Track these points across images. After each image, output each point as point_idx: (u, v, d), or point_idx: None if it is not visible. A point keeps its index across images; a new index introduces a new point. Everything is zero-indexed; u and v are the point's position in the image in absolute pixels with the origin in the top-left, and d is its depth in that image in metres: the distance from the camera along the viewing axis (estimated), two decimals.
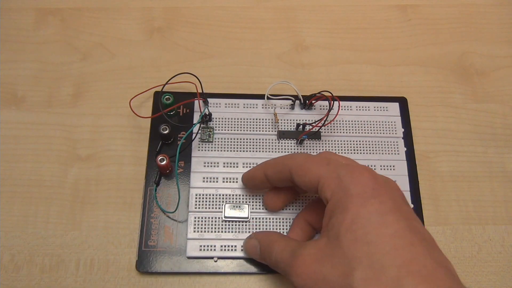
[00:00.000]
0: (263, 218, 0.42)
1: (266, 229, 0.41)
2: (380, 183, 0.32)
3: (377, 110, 0.47)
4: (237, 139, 0.45)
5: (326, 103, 0.46)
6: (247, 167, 0.44)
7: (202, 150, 0.44)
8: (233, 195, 0.43)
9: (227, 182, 0.43)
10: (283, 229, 0.42)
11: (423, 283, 0.27)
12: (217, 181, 0.43)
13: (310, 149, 0.45)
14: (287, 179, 0.37)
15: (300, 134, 0.44)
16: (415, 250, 0.29)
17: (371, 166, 0.44)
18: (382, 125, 0.46)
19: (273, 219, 0.42)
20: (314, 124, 0.44)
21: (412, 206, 0.43)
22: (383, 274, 0.28)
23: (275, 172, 0.38)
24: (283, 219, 0.42)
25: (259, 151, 0.44)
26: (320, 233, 0.35)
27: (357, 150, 0.45)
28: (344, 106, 0.47)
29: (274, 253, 0.36)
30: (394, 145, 0.45)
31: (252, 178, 0.41)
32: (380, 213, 0.30)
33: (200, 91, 0.44)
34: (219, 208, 0.42)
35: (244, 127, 0.45)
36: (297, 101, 0.46)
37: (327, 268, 0.30)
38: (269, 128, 0.45)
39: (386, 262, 0.28)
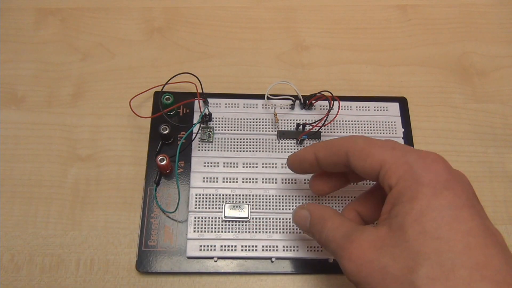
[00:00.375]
0: (263, 218, 0.42)
1: (267, 228, 0.41)
2: (454, 175, 0.30)
3: (377, 110, 0.47)
4: (237, 139, 0.45)
5: (326, 103, 0.46)
6: (247, 167, 0.44)
7: (202, 150, 0.44)
8: (233, 195, 0.43)
9: (227, 182, 0.43)
10: (284, 229, 0.42)
11: None
12: (217, 181, 0.43)
13: None
14: (342, 163, 0.34)
15: (300, 134, 0.44)
16: (489, 252, 0.26)
17: None
18: (382, 125, 0.46)
19: (273, 219, 0.42)
20: (314, 124, 0.44)
21: None
22: (452, 274, 0.26)
23: (328, 155, 0.35)
24: (283, 219, 0.42)
25: (259, 151, 0.44)
26: (377, 222, 0.32)
27: None
28: (344, 106, 0.47)
29: (326, 230, 0.33)
30: None
31: (300, 161, 0.37)
32: (454, 207, 0.28)
33: (200, 91, 0.44)
34: (219, 208, 0.42)
35: (244, 127, 0.45)
36: (297, 101, 0.46)
37: (387, 259, 0.28)
38: (269, 128, 0.45)
39: (458, 261, 0.26)
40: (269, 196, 0.43)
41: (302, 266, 0.41)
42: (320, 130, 0.45)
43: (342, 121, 0.46)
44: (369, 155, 0.32)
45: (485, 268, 0.26)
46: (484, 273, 0.25)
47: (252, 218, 0.42)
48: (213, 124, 0.45)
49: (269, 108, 0.46)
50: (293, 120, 0.46)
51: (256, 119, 0.46)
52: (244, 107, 0.46)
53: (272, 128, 0.45)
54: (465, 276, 0.25)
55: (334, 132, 0.45)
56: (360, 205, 0.36)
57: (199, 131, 0.44)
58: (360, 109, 0.47)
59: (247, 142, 0.45)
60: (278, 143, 0.45)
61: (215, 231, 0.41)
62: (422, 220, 0.27)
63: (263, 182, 0.43)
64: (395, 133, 0.46)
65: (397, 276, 0.27)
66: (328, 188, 0.38)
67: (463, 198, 0.28)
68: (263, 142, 0.45)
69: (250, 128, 0.45)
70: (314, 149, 0.36)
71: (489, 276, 0.25)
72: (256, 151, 0.44)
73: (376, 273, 0.28)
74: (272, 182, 0.43)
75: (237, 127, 0.45)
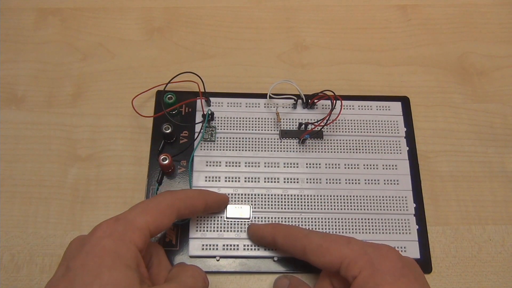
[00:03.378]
0: (264, 218, 0.42)
1: None
2: (405, 262, 0.33)
3: (379, 109, 0.47)
4: (239, 138, 0.45)
5: (328, 102, 0.46)
6: (249, 166, 0.44)
7: (204, 150, 0.44)
8: (235, 194, 0.43)
9: (229, 181, 0.43)
10: None
11: None
12: (219, 180, 0.43)
13: (312, 149, 0.45)
14: (300, 255, 0.37)
15: (302, 133, 0.44)
16: None
17: (374, 165, 0.44)
18: (384, 124, 0.46)
19: (274, 220, 0.42)
20: (316, 124, 0.44)
21: (414, 205, 0.43)
22: None
23: (287, 245, 0.38)
24: (285, 218, 0.42)
25: (261, 150, 0.44)
26: None
27: (359, 149, 0.45)
28: (346, 106, 0.47)
29: None
30: (396, 144, 0.45)
31: (259, 237, 0.40)
32: None
33: (202, 90, 0.44)
34: None
35: (246, 127, 0.45)
36: (299, 101, 0.46)
37: None
38: (271, 128, 0.45)
39: None
40: (271, 195, 0.43)
41: (304, 266, 0.41)
42: (322, 129, 0.45)
43: (345, 120, 0.46)
44: (327, 252, 0.35)
45: None
46: None
47: (254, 218, 0.42)
48: (215, 123, 0.45)
49: (271, 107, 0.46)
50: (295, 120, 0.46)
51: (258, 119, 0.46)
52: (246, 107, 0.46)
53: (274, 128, 0.45)
54: None
55: (336, 132, 0.46)
56: (333, 276, 0.37)
57: (202, 130, 0.44)
58: (362, 109, 0.47)
59: (249, 142, 0.45)
60: (280, 142, 0.45)
61: (217, 231, 0.41)
62: None
63: (265, 182, 0.43)
64: (397, 132, 0.46)
65: None
66: None
67: (416, 285, 0.32)
68: (265, 142, 0.45)
69: (252, 127, 0.45)
70: (274, 232, 0.39)
71: None
72: (258, 151, 0.44)
73: None
74: (274, 182, 0.43)
75: (239, 127, 0.45)
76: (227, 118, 0.45)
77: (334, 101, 0.43)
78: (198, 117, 0.45)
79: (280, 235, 0.38)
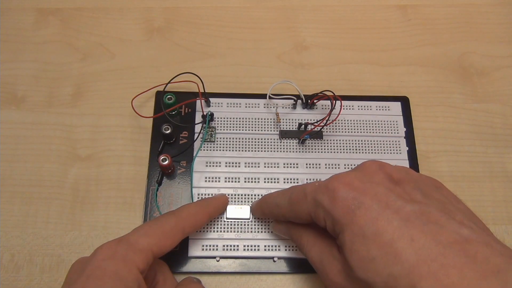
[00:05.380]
0: (264, 219, 0.42)
1: (269, 228, 0.41)
2: (357, 186, 0.30)
3: (379, 109, 0.47)
4: (239, 138, 0.45)
5: (328, 102, 0.46)
6: (249, 166, 0.44)
7: (204, 150, 0.44)
8: (235, 195, 0.43)
9: (229, 181, 0.43)
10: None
11: (437, 283, 0.25)
12: (219, 181, 0.43)
13: (312, 149, 0.45)
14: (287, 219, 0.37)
15: (302, 133, 0.44)
16: (417, 245, 0.27)
17: None
18: (384, 124, 0.46)
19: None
20: (316, 124, 0.44)
21: None
22: (397, 282, 0.26)
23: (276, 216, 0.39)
24: None
25: (261, 151, 0.44)
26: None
27: (359, 149, 0.45)
28: (346, 106, 0.47)
29: (305, 251, 0.35)
30: (396, 144, 0.45)
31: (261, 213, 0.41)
32: (370, 222, 0.28)
33: (202, 90, 0.44)
34: None
35: (246, 127, 0.45)
36: (299, 101, 0.46)
37: (351, 285, 0.30)
38: (271, 128, 0.45)
39: (396, 273, 0.26)
40: None
41: (304, 266, 0.41)
42: (322, 129, 0.45)
43: (344, 120, 0.46)
44: (298, 214, 0.34)
45: (419, 265, 0.26)
46: (421, 271, 0.26)
47: (254, 218, 0.42)
48: (215, 124, 0.45)
49: (271, 107, 0.46)
50: (295, 120, 0.46)
51: (258, 119, 0.46)
52: (246, 107, 0.46)
53: (274, 128, 0.45)
54: (407, 284, 0.26)
55: (336, 132, 0.46)
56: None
57: (201, 131, 0.44)
58: (362, 109, 0.47)
59: (249, 142, 0.45)
60: (280, 142, 0.45)
61: (217, 231, 0.41)
62: (355, 250, 0.29)
63: (265, 182, 0.43)
64: (397, 133, 0.46)
65: None
66: None
67: (375, 206, 0.29)
68: (265, 142, 0.45)
69: (252, 127, 0.45)
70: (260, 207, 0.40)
71: (425, 272, 0.26)
72: (258, 151, 0.44)
73: None
74: (274, 182, 0.43)
75: (239, 127, 0.45)
76: (227, 118, 0.45)
77: (334, 101, 0.43)
78: (198, 118, 0.45)
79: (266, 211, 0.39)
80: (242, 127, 0.45)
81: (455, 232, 0.27)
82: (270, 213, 0.39)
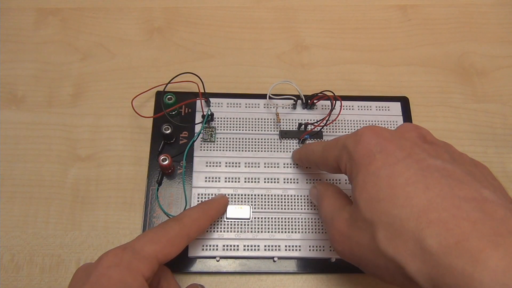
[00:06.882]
0: (264, 218, 0.42)
1: (269, 228, 0.41)
2: (385, 136, 0.30)
3: (379, 109, 0.47)
4: (239, 138, 0.45)
5: (328, 102, 0.46)
6: (249, 166, 0.44)
7: (204, 150, 0.44)
8: (235, 195, 0.42)
9: (229, 181, 0.43)
10: (286, 229, 0.41)
11: (445, 232, 0.24)
12: (219, 181, 0.43)
13: None
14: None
15: (302, 133, 0.44)
16: (431, 193, 0.26)
17: None
18: (384, 124, 0.46)
19: (274, 219, 0.42)
20: (316, 124, 0.44)
21: None
22: (403, 230, 0.26)
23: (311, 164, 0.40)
24: (285, 218, 0.42)
25: (261, 151, 0.44)
26: None
27: None
28: (346, 106, 0.47)
29: (321, 209, 0.36)
30: None
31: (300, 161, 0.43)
32: (388, 165, 0.28)
33: (202, 90, 0.44)
34: None
35: (246, 127, 0.45)
36: (299, 101, 0.46)
37: (357, 233, 0.29)
38: (271, 128, 0.45)
39: (403, 215, 0.26)
40: (271, 195, 0.43)
41: (304, 266, 0.41)
42: (322, 129, 0.45)
43: (344, 120, 0.46)
44: (327, 160, 0.35)
45: (430, 211, 0.25)
46: (430, 217, 0.25)
47: (254, 218, 0.42)
48: (215, 124, 0.45)
49: (271, 107, 0.46)
50: (295, 120, 0.46)
51: (258, 119, 0.46)
52: (246, 107, 0.46)
53: (274, 128, 0.45)
54: (413, 228, 0.25)
55: (336, 132, 0.46)
56: None
57: (201, 131, 0.44)
58: (362, 109, 0.47)
59: (249, 142, 0.45)
60: (280, 143, 0.45)
61: (217, 231, 0.41)
62: (366, 188, 0.29)
63: (265, 182, 0.43)
64: None
65: (367, 246, 0.28)
66: None
67: (398, 153, 0.29)
68: (265, 142, 0.45)
69: (252, 128, 0.45)
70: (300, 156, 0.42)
71: (434, 219, 0.25)
72: (258, 151, 0.44)
73: (355, 248, 0.30)
74: (274, 182, 0.43)
75: (239, 127, 0.45)
76: (227, 118, 0.45)
77: (334, 101, 0.43)
78: (198, 118, 0.45)
79: (303, 159, 0.41)
80: (242, 127, 0.45)
81: (476, 191, 0.26)
82: (306, 159, 0.40)
